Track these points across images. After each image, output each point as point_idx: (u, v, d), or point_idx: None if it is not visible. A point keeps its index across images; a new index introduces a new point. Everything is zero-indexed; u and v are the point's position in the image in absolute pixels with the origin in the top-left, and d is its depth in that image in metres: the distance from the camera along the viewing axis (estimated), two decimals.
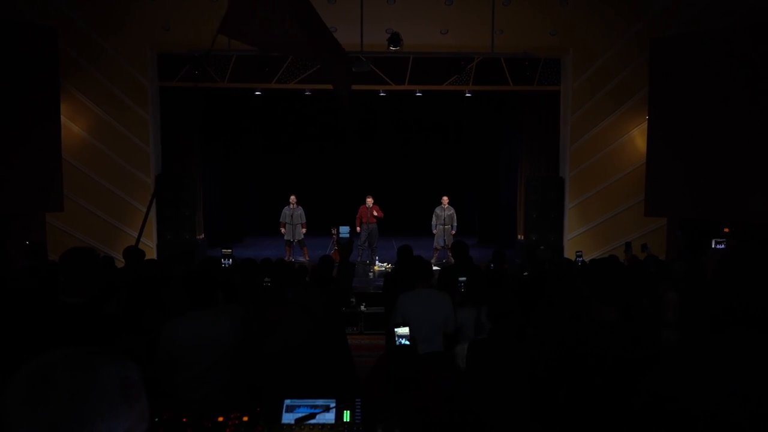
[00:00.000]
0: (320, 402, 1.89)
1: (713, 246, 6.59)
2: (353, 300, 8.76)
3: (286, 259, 11.49)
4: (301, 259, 11.83)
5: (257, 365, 3.28)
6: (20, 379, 1.02)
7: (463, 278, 4.91)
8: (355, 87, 11.70)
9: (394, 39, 9.15)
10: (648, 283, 3.70)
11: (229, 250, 5.03)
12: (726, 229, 10.12)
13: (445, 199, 11.90)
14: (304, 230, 11.86)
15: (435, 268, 11.03)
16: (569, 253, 10.77)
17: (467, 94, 12.20)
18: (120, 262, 9.93)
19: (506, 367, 3.00)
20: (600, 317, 2.34)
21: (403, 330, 3.03)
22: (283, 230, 11.86)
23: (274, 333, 3.19)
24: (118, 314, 3.60)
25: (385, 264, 11.25)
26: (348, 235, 3.66)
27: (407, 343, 2.98)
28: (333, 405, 1.86)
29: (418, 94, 12.18)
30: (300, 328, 3.22)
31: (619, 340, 2.24)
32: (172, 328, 3.15)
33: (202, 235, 12.43)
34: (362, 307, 8.99)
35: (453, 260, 11.39)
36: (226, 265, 4.77)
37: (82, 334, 3.00)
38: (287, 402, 1.89)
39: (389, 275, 6.28)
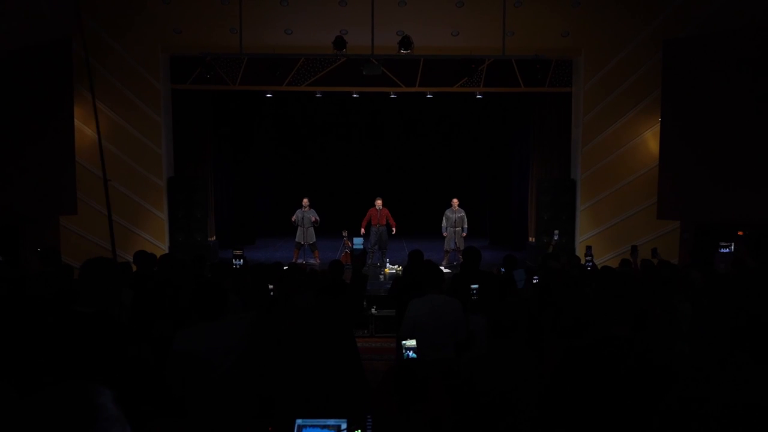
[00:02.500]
0: (331, 422, 1.90)
1: (719, 250, 6.47)
2: (365, 303, 8.77)
3: (293, 261, 11.53)
4: (312, 261, 11.86)
5: (267, 375, 3.29)
6: None
7: (476, 285, 4.89)
8: (365, 89, 11.84)
9: (405, 42, 9.14)
10: (661, 292, 3.67)
11: (240, 251, 5.04)
12: (740, 233, 10.02)
13: (456, 201, 11.88)
14: (314, 220, 11.75)
15: (446, 270, 11.06)
16: (581, 255, 10.71)
17: (478, 96, 12.18)
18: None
19: (513, 380, 2.99)
20: (611, 332, 2.33)
21: (411, 342, 3.03)
22: (294, 219, 11.84)
23: (285, 343, 3.19)
24: (127, 321, 3.61)
25: (395, 266, 11.25)
26: (362, 246, 3.67)
27: (414, 356, 2.98)
28: (344, 427, 1.86)
29: (429, 96, 12.17)
30: (310, 338, 3.22)
31: (630, 356, 2.23)
32: (182, 340, 3.17)
33: (214, 237, 12.49)
34: (373, 310, 8.99)
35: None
36: (237, 266, 4.80)
37: (92, 343, 3.03)
38: (298, 422, 1.90)
39: (398, 279, 6.27)
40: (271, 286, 4.51)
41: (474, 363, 3.37)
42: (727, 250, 6.28)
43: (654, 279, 4.30)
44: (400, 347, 3.03)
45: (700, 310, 3.26)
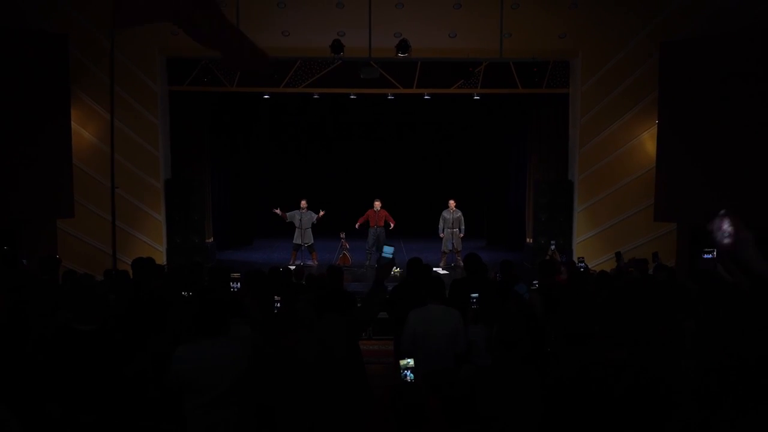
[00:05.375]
0: None
1: (702, 256, 6.42)
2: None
3: (291, 263, 11.53)
4: (310, 263, 11.86)
5: (269, 389, 3.30)
6: None
7: (476, 294, 4.90)
8: (363, 90, 11.82)
9: (402, 46, 9.13)
10: (663, 307, 3.68)
11: (238, 274, 4.99)
12: None
13: (452, 202, 11.87)
14: (316, 217, 11.83)
15: (443, 272, 11.08)
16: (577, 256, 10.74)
17: (476, 97, 12.17)
18: (127, 267, 10.02)
19: (514, 396, 3.01)
20: (610, 356, 2.34)
21: (408, 362, 3.03)
22: (277, 212, 11.85)
23: (290, 364, 3.19)
24: (123, 337, 3.63)
25: (394, 268, 11.22)
26: (391, 256, 3.50)
27: (412, 375, 2.98)
28: None
29: (426, 97, 12.17)
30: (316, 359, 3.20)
31: (625, 381, 2.24)
32: (183, 355, 3.17)
33: (211, 239, 12.47)
34: None
35: (462, 263, 11.47)
36: (235, 289, 4.76)
37: (95, 361, 3.05)
38: None
39: (397, 288, 6.26)
40: (278, 299, 4.50)
41: (474, 377, 3.38)
42: (710, 255, 6.26)
43: (654, 291, 4.30)
44: (398, 366, 3.02)
45: (700, 324, 3.29)
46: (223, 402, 3.12)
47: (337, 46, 9.12)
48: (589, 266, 9.93)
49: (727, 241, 1.87)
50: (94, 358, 3.03)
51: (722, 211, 1.97)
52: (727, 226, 1.88)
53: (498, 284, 6.00)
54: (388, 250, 3.60)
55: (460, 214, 11.78)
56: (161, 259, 11.24)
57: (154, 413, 3.44)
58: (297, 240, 11.77)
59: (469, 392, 3.31)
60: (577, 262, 8.68)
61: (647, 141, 11.07)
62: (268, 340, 3.42)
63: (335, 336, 3.30)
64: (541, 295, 5.20)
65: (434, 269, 10.19)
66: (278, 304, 4.89)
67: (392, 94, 12.08)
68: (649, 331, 3.12)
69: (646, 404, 2.12)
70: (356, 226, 11.88)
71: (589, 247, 11.44)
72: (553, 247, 9.28)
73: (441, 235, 11.81)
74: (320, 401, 3.02)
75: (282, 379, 3.20)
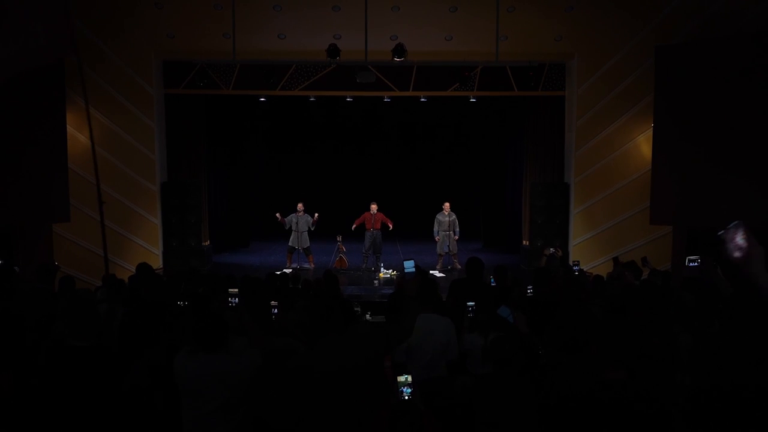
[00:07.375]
0: None
1: (686, 264, 6.37)
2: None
3: (286, 266, 11.53)
4: (306, 266, 11.86)
5: (266, 402, 3.30)
6: None
7: (472, 303, 4.91)
8: (359, 93, 11.84)
9: (398, 50, 9.13)
10: (659, 321, 3.68)
11: (236, 289, 4.93)
12: None
13: (447, 205, 11.84)
14: (313, 221, 11.79)
15: (440, 275, 11.10)
16: (573, 258, 10.76)
17: (472, 100, 12.20)
18: (124, 270, 10.02)
19: (510, 409, 3.02)
20: (610, 376, 2.35)
21: (405, 378, 3.02)
22: (278, 216, 11.80)
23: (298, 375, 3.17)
24: (120, 350, 3.62)
25: (390, 271, 11.25)
26: (414, 270, 3.51)
27: (409, 393, 2.97)
28: None
29: (422, 100, 12.17)
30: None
31: (626, 400, 2.25)
32: (182, 367, 3.17)
33: (208, 242, 12.46)
34: (367, 316, 8.99)
35: (458, 266, 11.48)
36: (233, 304, 4.73)
37: (92, 377, 3.05)
38: None
39: (396, 292, 6.27)
40: (274, 303, 4.49)
41: (470, 389, 3.39)
42: (695, 264, 6.21)
43: (650, 300, 4.30)
44: (396, 383, 3.01)
45: (696, 337, 3.30)
46: (220, 415, 3.13)
47: (333, 51, 9.10)
48: (585, 269, 9.96)
49: (737, 254, 1.82)
50: (89, 374, 3.03)
51: (736, 222, 1.91)
52: (740, 238, 1.83)
53: (493, 290, 6.01)
54: (408, 265, 3.63)
55: (454, 217, 11.77)
56: (158, 262, 11.23)
57: (151, 426, 3.44)
58: (293, 243, 11.74)
59: (465, 404, 3.32)
60: (572, 265, 8.68)
61: (643, 144, 11.10)
62: (265, 353, 3.41)
63: (364, 347, 3.24)
64: (530, 308, 5.22)
65: (431, 272, 10.20)
66: (275, 310, 4.89)
67: (388, 97, 12.09)
68: (646, 344, 3.12)
69: (645, 425, 2.13)
70: (352, 228, 11.87)
71: (586, 249, 11.48)
72: (552, 251, 9.26)
73: (436, 238, 11.80)
74: (335, 414, 3.00)
75: (286, 393, 3.19)
